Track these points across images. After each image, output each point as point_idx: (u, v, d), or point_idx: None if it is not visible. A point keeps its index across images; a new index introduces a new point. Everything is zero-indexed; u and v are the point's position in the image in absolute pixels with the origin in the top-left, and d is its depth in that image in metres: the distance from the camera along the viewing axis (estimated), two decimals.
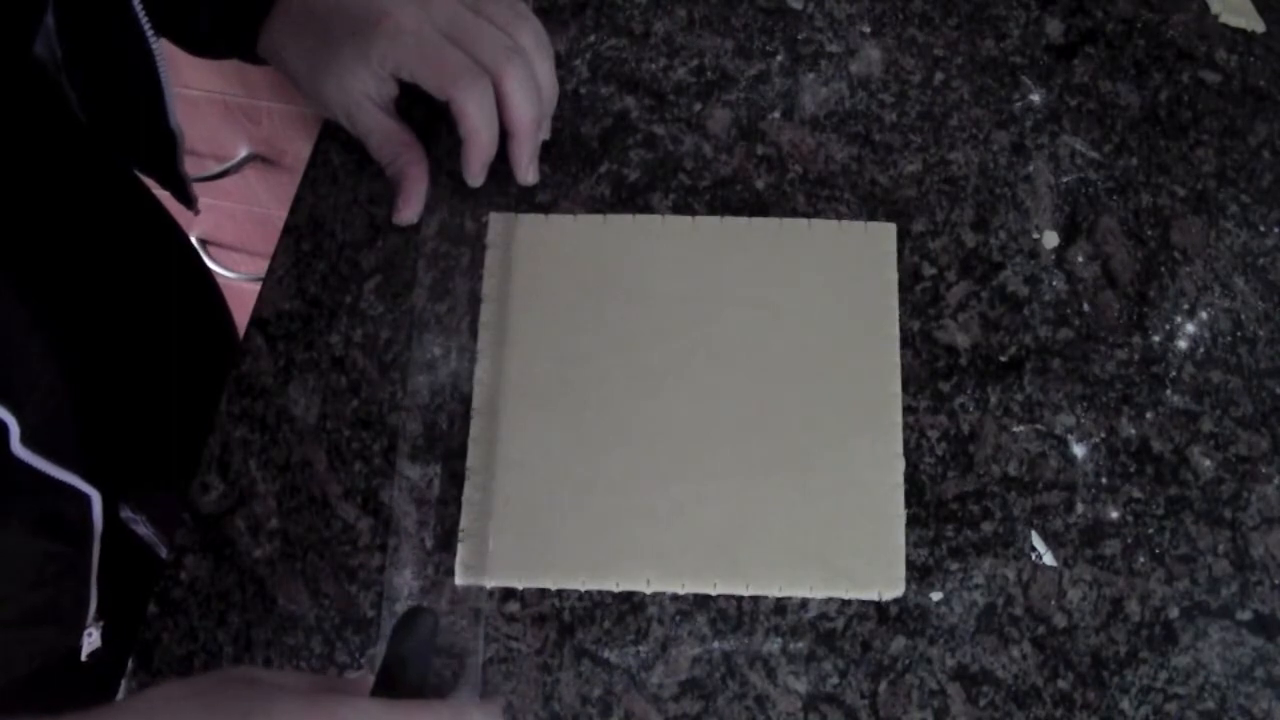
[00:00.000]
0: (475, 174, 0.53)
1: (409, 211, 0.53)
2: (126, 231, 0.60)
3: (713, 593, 0.47)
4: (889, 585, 0.47)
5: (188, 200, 0.64)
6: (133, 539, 0.56)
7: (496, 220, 0.53)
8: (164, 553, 0.54)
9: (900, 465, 0.48)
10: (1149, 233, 0.53)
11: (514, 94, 0.50)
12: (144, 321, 0.59)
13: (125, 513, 0.54)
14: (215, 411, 0.51)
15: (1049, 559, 0.48)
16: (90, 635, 0.50)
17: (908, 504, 0.48)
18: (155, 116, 0.56)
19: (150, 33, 0.51)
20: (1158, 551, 0.48)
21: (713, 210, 0.54)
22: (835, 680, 0.46)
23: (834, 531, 0.47)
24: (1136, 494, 0.49)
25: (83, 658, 0.50)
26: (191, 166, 0.64)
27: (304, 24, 0.52)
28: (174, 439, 0.55)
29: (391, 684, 0.39)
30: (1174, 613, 0.47)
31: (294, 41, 0.52)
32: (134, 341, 0.57)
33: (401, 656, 0.39)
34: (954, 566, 0.47)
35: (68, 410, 0.48)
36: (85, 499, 0.48)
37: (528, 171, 0.54)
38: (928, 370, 0.51)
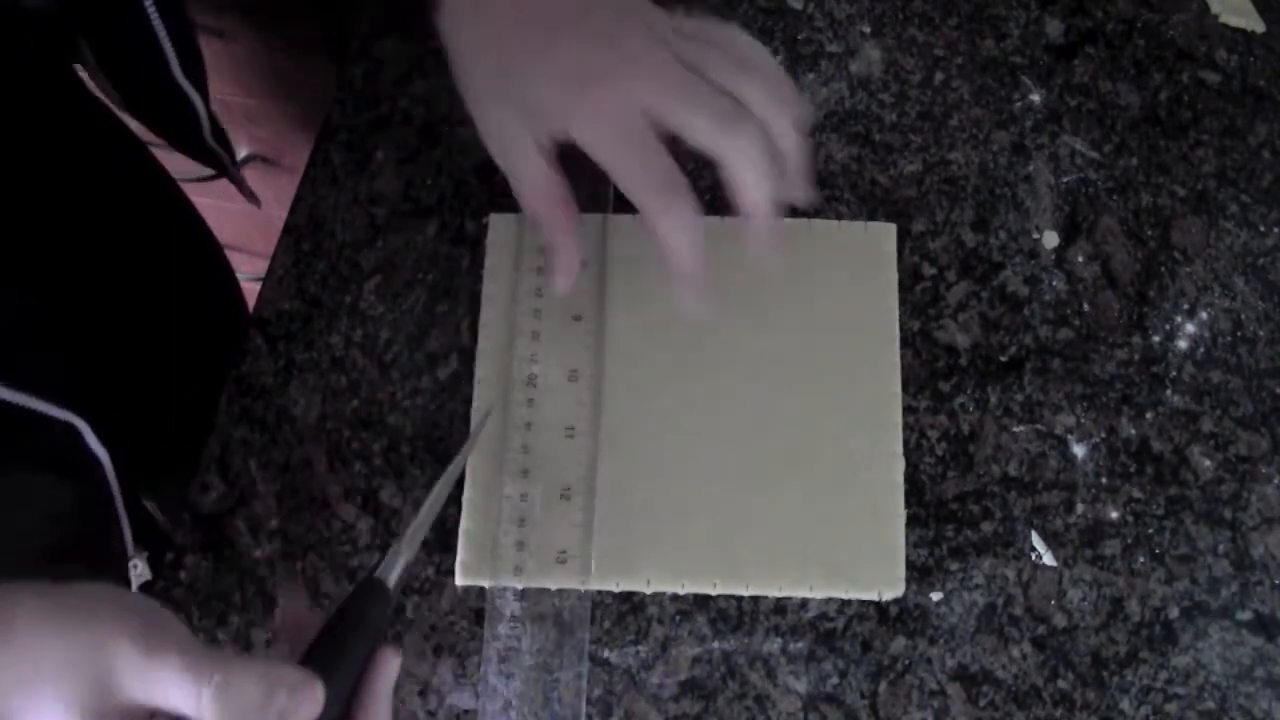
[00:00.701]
0: (690, 308, 0.43)
1: (563, 281, 0.45)
2: (138, 216, 0.60)
3: (713, 593, 0.47)
4: (889, 585, 0.47)
5: (241, 186, 0.63)
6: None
7: (497, 221, 0.53)
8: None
9: (900, 465, 0.48)
10: (1149, 233, 0.53)
11: (739, 175, 0.41)
12: (150, 304, 0.59)
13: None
14: (218, 401, 0.51)
15: (1049, 559, 0.48)
16: (136, 567, 0.49)
17: (908, 504, 0.48)
18: (161, 75, 0.54)
19: None
20: (1158, 551, 0.48)
21: (713, 210, 0.54)
22: (835, 680, 0.46)
23: (834, 531, 0.47)
24: (1136, 494, 0.49)
25: (133, 590, 0.50)
26: (192, 166, 0.64)
27: (492, 23, 0.44)
28: (175, 417, 0.55)
29: (324, 652, 0.35)
30: (1174, 613, 0.47)
31: (469, 42, 0.44)
32: (138, 319, 0.57)
33: (347, 627, 0.36)
34: (954, 566, 0.47)
35: (51, 346, 0.47)
36: (74, 430, 0.47)
37: (764, 252, 0.44)
38: (928, 370, 0.51)
